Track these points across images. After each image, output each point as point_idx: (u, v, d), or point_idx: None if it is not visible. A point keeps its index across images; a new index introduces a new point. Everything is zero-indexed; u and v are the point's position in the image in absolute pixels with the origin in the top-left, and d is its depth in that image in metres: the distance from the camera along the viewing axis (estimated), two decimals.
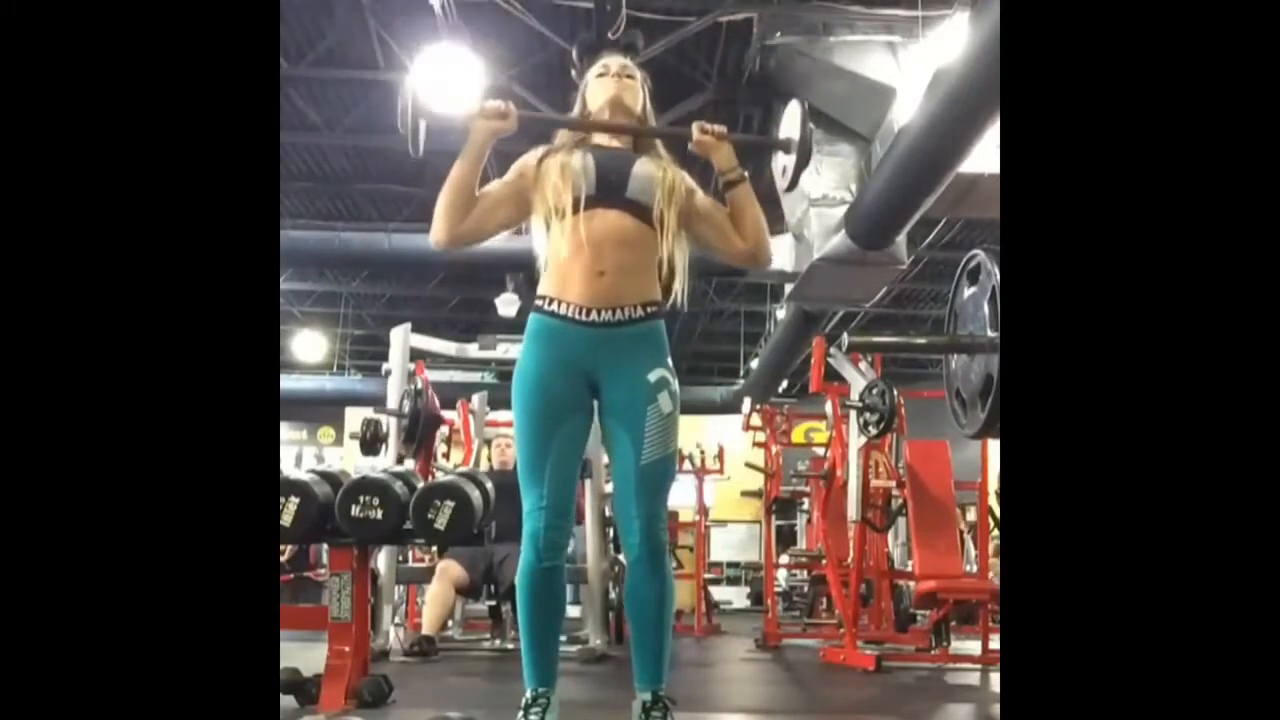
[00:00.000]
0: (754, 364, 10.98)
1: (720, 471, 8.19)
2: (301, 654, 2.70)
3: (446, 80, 5.38)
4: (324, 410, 12.37)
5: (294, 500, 2.66)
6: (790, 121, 2.16)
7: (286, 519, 2.64)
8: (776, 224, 6.70)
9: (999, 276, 3.09)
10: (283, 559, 6.78)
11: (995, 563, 6.17)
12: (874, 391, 4.64)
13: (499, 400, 6.44)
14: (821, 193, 5.65)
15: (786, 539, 10.38)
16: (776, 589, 7.63)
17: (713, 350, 12.76)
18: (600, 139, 2.10)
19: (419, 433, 4.62)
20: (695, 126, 2.05)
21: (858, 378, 4.84)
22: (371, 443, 4.82)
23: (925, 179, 4.57)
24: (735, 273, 6.70)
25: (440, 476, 3.76)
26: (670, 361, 2.02)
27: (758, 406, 7.71)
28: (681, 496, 7.02)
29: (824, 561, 6.07)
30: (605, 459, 4.65)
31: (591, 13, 5.20)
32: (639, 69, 2.16)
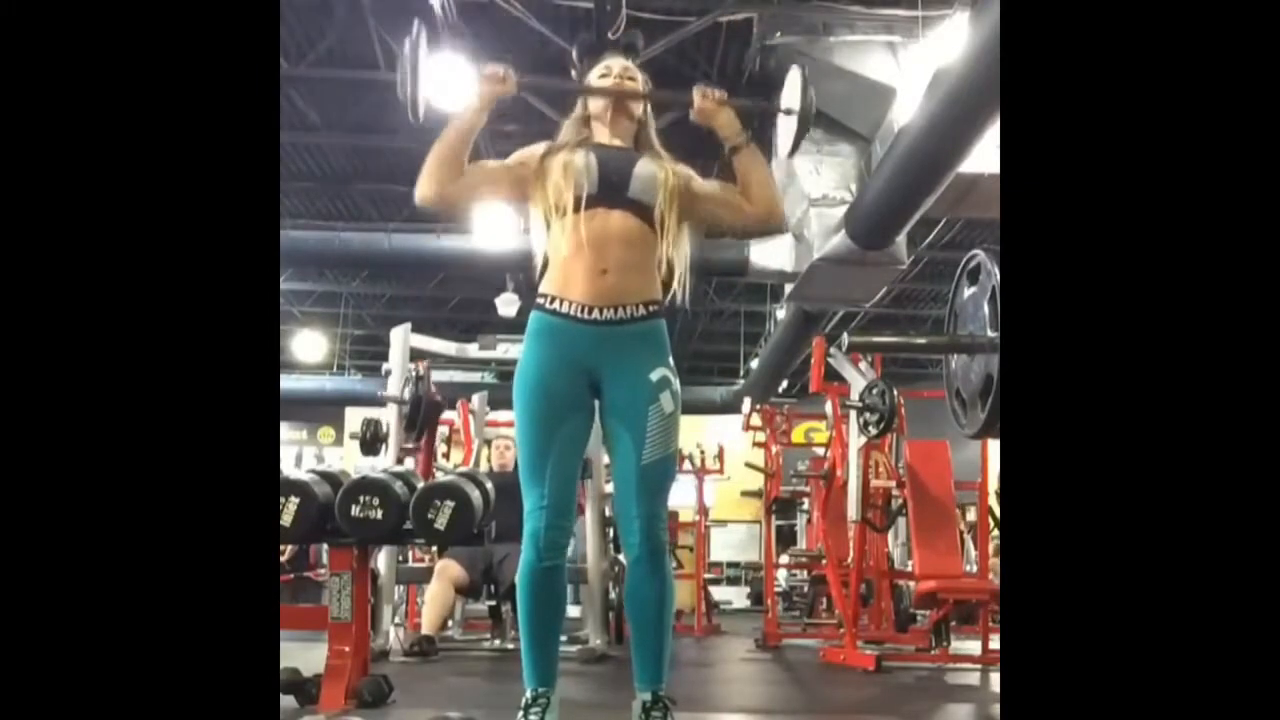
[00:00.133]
0: (754, 364, 10.98)
1: (720, 471, 8.19)
2: (301, 654, 2.70)
3: (446, 80, 5.38)
4: (324, 410, 12.37)
5: (294, 500, 2.66)
6: (791, 87, 2.16)
7: (286, 519, 2.64)
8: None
9: (999, 276, 3.10)
10: (283, 559, 6.77)
11: (995, 563, 6.16)
12: (874, 391, 4.63)
13: (499, 400, 6.43)
14: (821, 193, 5.66)
15: (786, 539, 10.38)
16: (776, 589, 7.63)
17: (713, 350, 12.76)
18: (602, 138, 2.10)
19: (420, 420, 4.61)
20: (696, 91, 2.05)
21: (858, 378, 4.83)
22: (371, 443, 4.82)
23: (925, 179, 4.57)
24: (735, 272, 6.67)
25: (440, 476, 3.76)
26: (672, 361, 2.02)
27: (758, 406, 7.71)
28: (681, 496, 7.02)
29: (824, 561, 6.07)
30: (605, 459, 4.65)
31: (591, 13, 5.21)
32: (640, 71, 2.17)
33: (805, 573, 8.34)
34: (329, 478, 2.81)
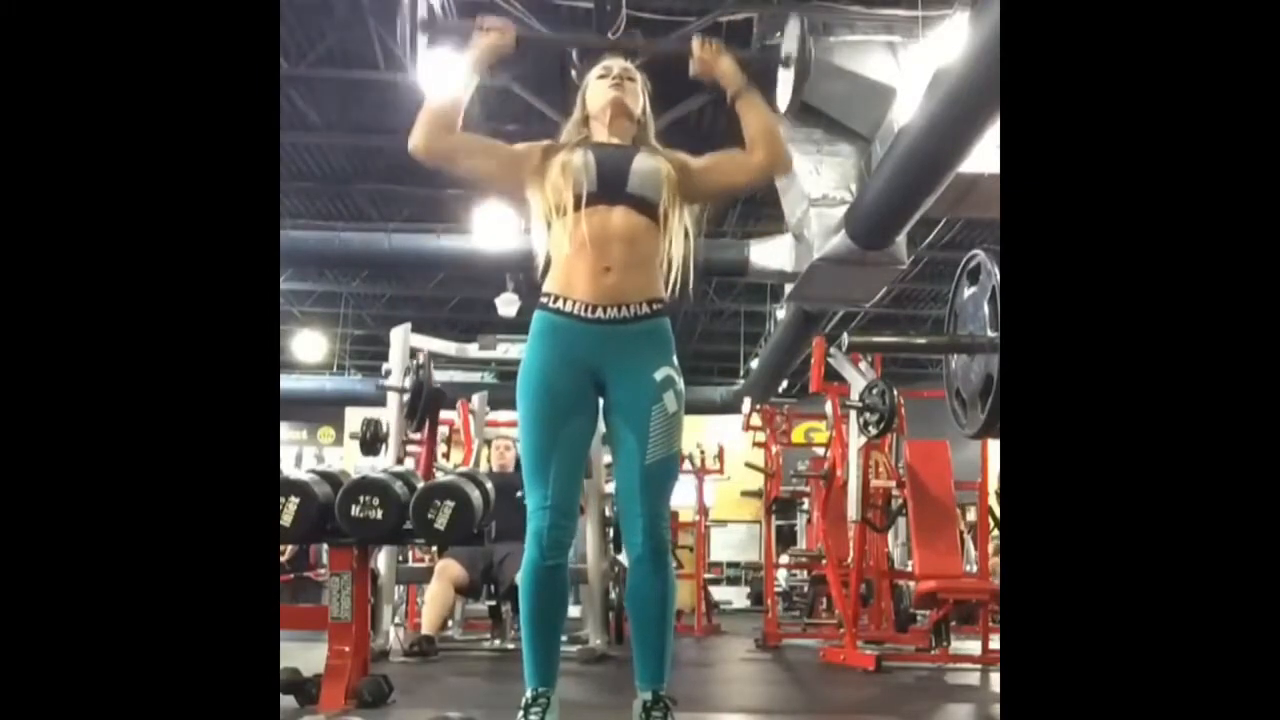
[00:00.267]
0: (754, 364, 10.98)
1: (720, 471, 8.19)
2: (301, 654, 2.70)
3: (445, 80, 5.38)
4: (324, 410, 12.37)
5: (294, 500, 2.66)
6: (790, 37, 2.16)
7: (286, 519, 2.64)
8: (776, 224, 6.71)
9: (999, 276, 3.10)
10: (283, 559, 6.77)
11: (995, 563, 6.16)
12: (874, 391, 4.63)
13: (499, 400, 6.44)
14: (821, 193, 5.66)
15: (786, 539, 10.38)
16: (776, 589, 7.63)
17: (713, 350, 12.76)
18: (601, 137, 2.10)
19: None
20: (695, 41, 2.05)
21: (858, 378, 4.84)
22: (371, 443, 4.82)
23: (925, 179, 4.58)
24: (735, 272, 6.68)
25: (440, 476, 3.76)
26: (676, 360, 2.02)
27: (758, 406, 7.71)
28: (682, 496, 7.00)
29: (824, 561, 6.07)
30: (606, 458, 4.66)
31: (591, 13, 5.21)
32: (639, 71, 2.17)
33: (805, 573, 8.34)
34: (329, 478, 2.81)
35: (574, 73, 5.12)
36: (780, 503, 7.73)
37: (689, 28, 5.41)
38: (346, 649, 2.66)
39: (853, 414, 4.81)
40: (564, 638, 2.17)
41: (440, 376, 5.44)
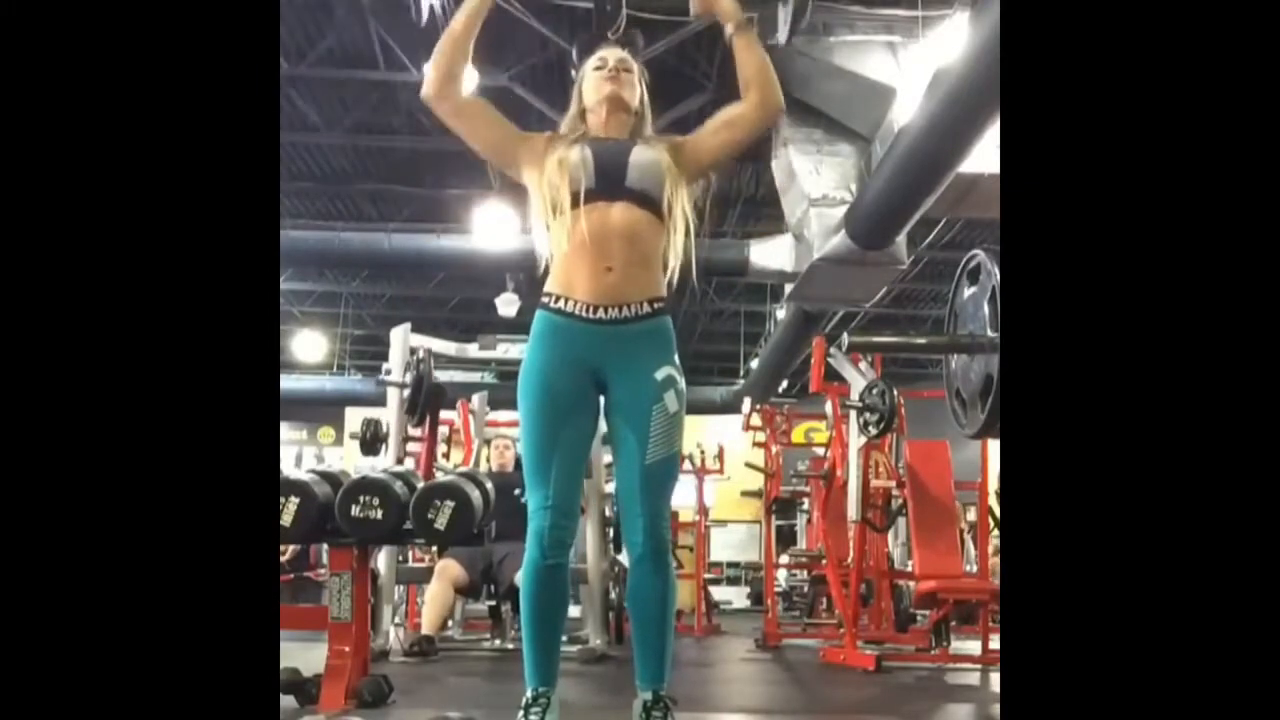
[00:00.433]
0: (754, 364, 10.98)
1: (720, 471, 8.19)
2: (301, 654, 2.70)
3: None
4: (324, 410, 12.37)
5: (294, 500, 2.65)
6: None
7: (286, 519, 2.64)
8: (776, 224, 6.72)
9: (999, 276, 3.10)
10: (283, 559, 6.77)
11: (995, 563, 6.16)
12: (874, 391, 4.63)
13: (499, 400, 6.44)
14: (821, 193, 5.66)
15: (786, 539, 10.38)
16: (776, 589, 7.63)
17: (713, 350, 12.77)
18: (598, 132, 2.10)
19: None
20: None
21: (858, 378, 4.84)
22: (371, 443, 4.81)
23: (925, 179, 4.58)
24: (735, 272, 6.68)
25: (440, 476, 3.76)
26: (677, 359, 2.01)
27: (758, 406, 7.71)
28: (682, 496, 7.00)
29: (824, 561, 6.07)
30: (606, 458, 4.66)
31: (591, 13, 5.21)
32: (636, 62, 2.16)
33: (805, 573, 8.34)
34: (329, 478, 2.81)
35: (574, 73, 5.12)
36: (780, 503, 7.73)
37: (689, 28, 5.41)
38: (346, 649, 2.66)
39: (853, 414, 4.81)
40: (564, 638, 2.17)
41: (440, 377, 5.44)
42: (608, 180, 1.98)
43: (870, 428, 4.65)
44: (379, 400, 5.33)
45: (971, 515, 6.51)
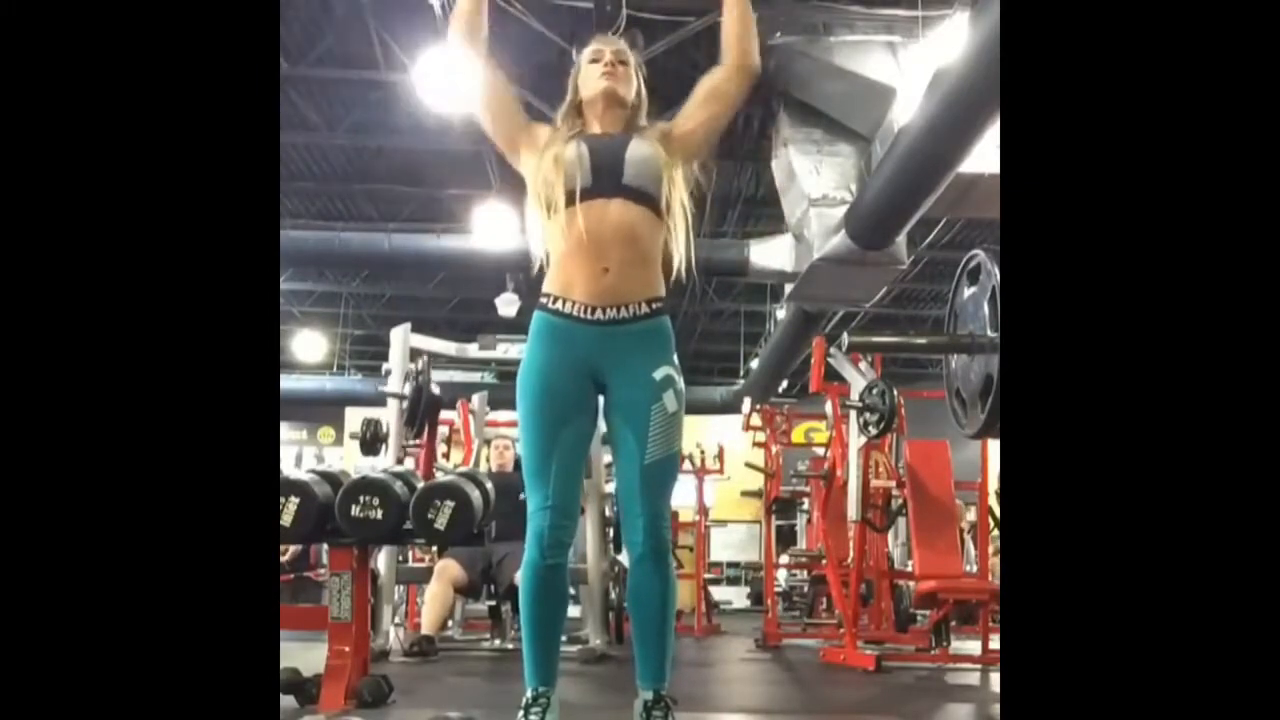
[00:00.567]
0: (754, 364, 10.98)
1: (720, 471, 8.19)
2: (301, 654, 2.70)
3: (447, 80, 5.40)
4: (324, 410, 12.36)
5: (294, 500, 2.66)
6: None
7: (286, 519, 2.64)
8: (776, 224, 6.71)
9: (999, 276, 3.10)
10: (283, 559, 6.77)
11: (995, 563, 6.17)
12: (874, 391, 4.64)
13: (499, 400, 6.44)
14: (821, 193, 5.66)
15: (786, 539, 10.38)
16: (776, 589, 7.63)
17: (713, 350, 12.76)
18: (594, 128, 2.09)
19: (421, 414, 4.60)
20: None
21: (858, 378, 4.84)
22: (371, 443, 4.81)
23: (925, 179, 4.58)
24: (735, 272, 6.68)
25: (440, 476, 3.76)
26: (676, 359, 2.01)
27: (758, 406, 7.71)
28: (682, 496, 7.00)
29: (824, 561, 6.07)
30: (606, 458, 4.66)
31: (591, 13, 5.21)
32: (631, 51, 2.15)
33: (805, 573, 8.34)
34: (329, 478, 2.81)
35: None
36: (780, 503, 7.73)
37: (689, 28, 5.41)
38: (346, 649, 2.66)
39: (853, 414, 4.81)
40: (564, 638, 2.17)
41: (440, 376, 5.45)
42: (604, 177, 1.97)
43: (870, 428, 4.65)
44: (379, 400, 5.33)
45: (971, 515, 6.51)
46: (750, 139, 6.87)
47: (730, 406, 10.77)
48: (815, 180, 5.68)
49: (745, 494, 10.57)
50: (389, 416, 4.79)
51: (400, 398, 4.65)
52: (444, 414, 5.20)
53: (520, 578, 1.97)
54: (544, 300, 2.01)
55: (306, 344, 12.41)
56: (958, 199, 5.17)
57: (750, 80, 2.08)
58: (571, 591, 4.50)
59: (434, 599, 4.58)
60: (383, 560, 4.39)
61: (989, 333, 3.17)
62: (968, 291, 3.39)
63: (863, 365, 5.03)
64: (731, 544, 11.66)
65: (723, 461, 8.13)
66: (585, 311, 1.96)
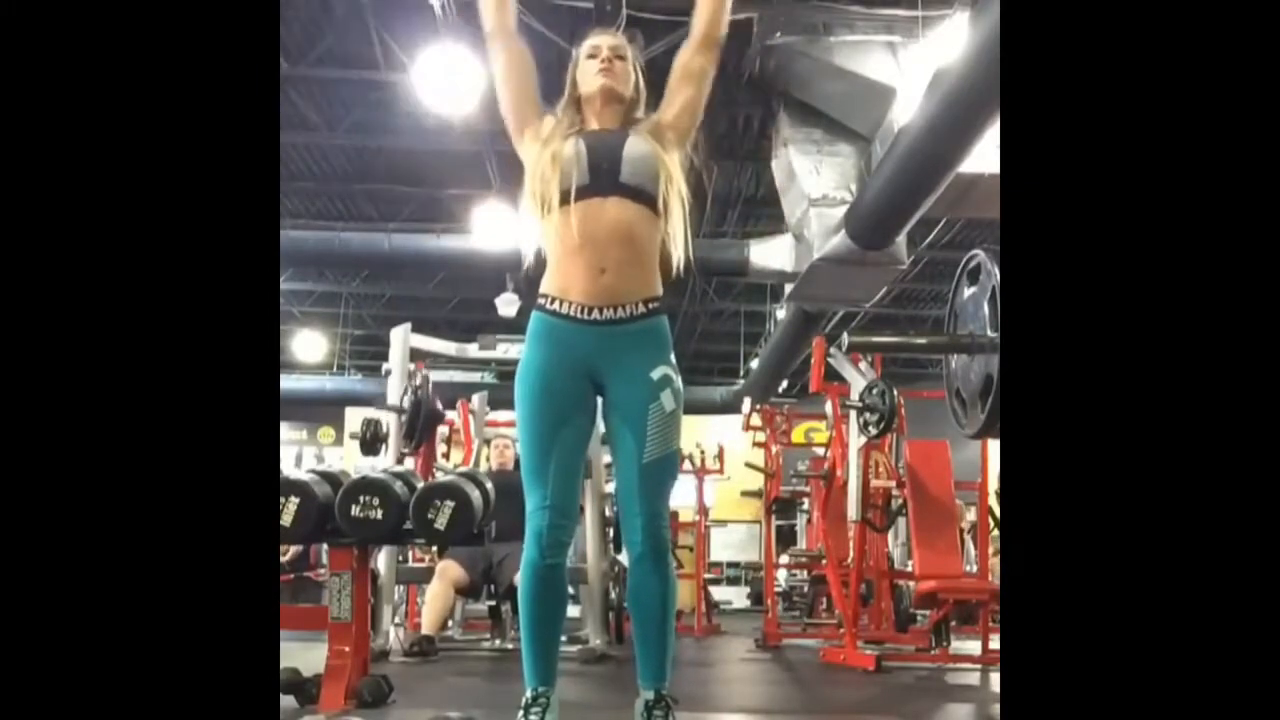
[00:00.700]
0: (754, 364, 10.98)
1: (720, 471, 8.19)
2: (301, 654, 2.70)
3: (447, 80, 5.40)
4: (324, 410, 12.36)
5: (294, 500, 2.65)
6: None
7: (286, 519, 2.64)
8: (776, 224, 6.72)
9: (999, 276, 3.10)
10: (283, 559, 6.77)
11: (995, 563, 6.16)
12: (874, 391, 4.64)
13: (499, 400, 6.43)
14: (821, 193, 5.66)
15: (786, 539, 10.38)
16: (776, 589, 7.63)
17: (713, 350, 12.76)
18: (592, 124, 2.09)
19: (420, 428, 4.60)
20: None
21: (858, 378, 4.84)
22: (371, 443, 4.81)
23: (925, 179, 4.58)
24: (735, 272, 6.68)
25: (440, 476, 3.76)
26: (673, 358, 2.01)
27: (758, 406, 7.71)
28: (682, 496, 7.01)
29: (824, 561, 6.07)
30: (606, 458, 4.65)
31: (591, 13, 5.21)
32: (630, 45, 2.15)
33: (805, 573, 8.34)
34: (329, 478, 2.81)
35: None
36: (780, 503, 7.73)
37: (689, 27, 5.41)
38: (346, 649, 2.66)
39: (853, 414, 4.81)
40: (564, 638, 2.17)
41: (440, 376, 5.45)
42: (602, 175, 1.97)
43: (870, 428, 4.65)
44: (379, 400, 5.32)
45: (971, 515, 6.51)
46: (750, 139, 6.88)
47: (730, 406, 10.78)
48: (815, 180, 5.69)
49: (745, 494, 10.57)
50: (389, 417, 4.78)
51: (399, 411, 4.65)
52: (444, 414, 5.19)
53: (519, 578, 1.97)
54: (542, 301, 2.01)
55: (306, 344, 12.41)
56: (958, 199, 5.17)
57: (715, 55, 2.11)
58: (571, 591, 4.51)
59: (434, 599, 4.58)
60: (383, 560, 4.39)
61: (989, 333, 3.17)
62: (968, 291, 3.39)
63: (863, 365, 5.03)
64: (731, 544, 11.66)
65: (723, 461, 8.13)
66: (583, 312, 1.96)
